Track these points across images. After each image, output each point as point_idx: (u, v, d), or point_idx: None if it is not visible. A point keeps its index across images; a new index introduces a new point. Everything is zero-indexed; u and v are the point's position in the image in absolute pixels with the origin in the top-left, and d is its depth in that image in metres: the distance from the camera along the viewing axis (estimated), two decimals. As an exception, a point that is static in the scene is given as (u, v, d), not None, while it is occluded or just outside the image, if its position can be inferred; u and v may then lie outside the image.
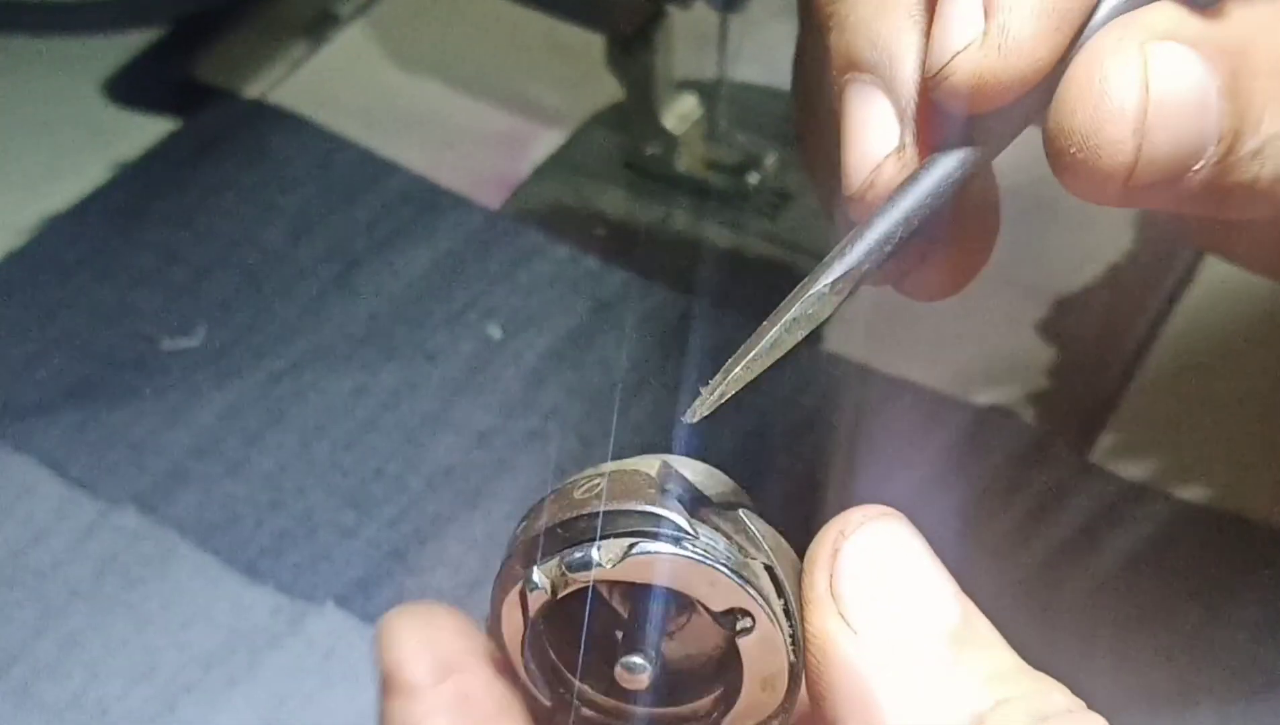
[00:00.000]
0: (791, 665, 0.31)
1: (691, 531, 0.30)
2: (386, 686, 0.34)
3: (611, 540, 0.30)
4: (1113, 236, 0.62)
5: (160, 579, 0.54)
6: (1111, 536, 0.53)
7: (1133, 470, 0.55)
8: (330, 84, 0.71)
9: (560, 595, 0.31)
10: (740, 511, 0.31)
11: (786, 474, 0.54)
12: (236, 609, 0.53)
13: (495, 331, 0.61)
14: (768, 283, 0.62)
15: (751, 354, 0.31)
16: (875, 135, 0.33)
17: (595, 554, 0.30)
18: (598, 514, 0.30)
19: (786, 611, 0.31)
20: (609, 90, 0.65)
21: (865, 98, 0.34)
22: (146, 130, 0.69)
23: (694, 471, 0.31)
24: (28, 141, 0.68)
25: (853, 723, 0.29)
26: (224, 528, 0.55)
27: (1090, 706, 0.28)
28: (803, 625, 0.30)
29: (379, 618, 0.51)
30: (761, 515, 0.32)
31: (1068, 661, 0.31)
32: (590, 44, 0.63)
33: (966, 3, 0.31)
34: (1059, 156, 0.31)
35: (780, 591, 0.31)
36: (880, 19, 0.33)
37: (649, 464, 0.31)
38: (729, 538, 0.30)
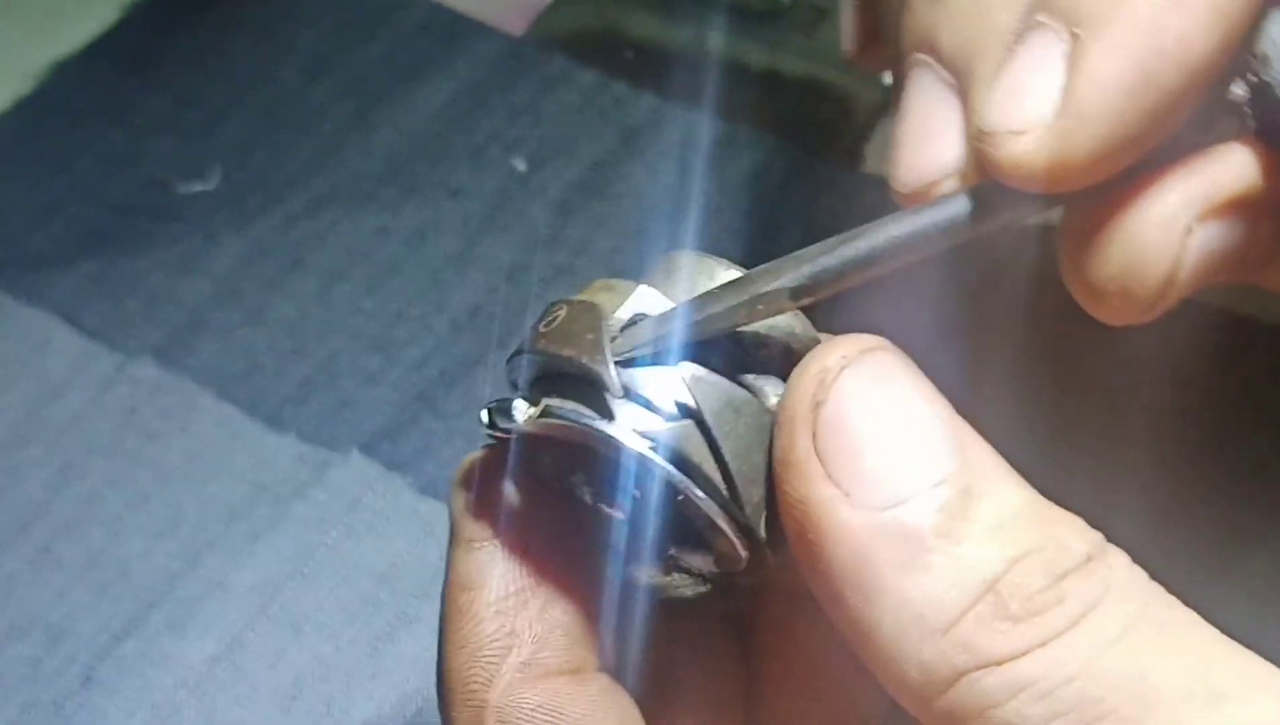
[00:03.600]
0: (735, 530, 0.28)
1: (615, 391, 0.27)
2: (451, 535, 0.31)
3: (539, 391, 0.28)
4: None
5: (181, 432, 0.52)
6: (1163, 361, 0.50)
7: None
8: None
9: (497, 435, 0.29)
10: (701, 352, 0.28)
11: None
12: (259, 460, 0.51)
13: (520, 164, 0.58)
14: (806, 103, 0.59)
15: (701, 316, 0.28)
16: (935, 140, 0.31)
17: (515, 408, 0.28)
18: (533, 355, 0.28)
19: (727, 477, 0.28)
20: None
21: (933, 93, 0.31)
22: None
23: (687, 277, 0.29)
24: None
25: (850, 597, 0.26)
26: (245, 377, 0.53)
27: (1123, 546, 0.26)
28: (780, 490, 0.27)
29: (405, 464, 0.51)
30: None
31: (1096, 500, 0.28)
32: None
33: (1045, 54, 0.28)
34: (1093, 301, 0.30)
35: (718, 456, 0.27)
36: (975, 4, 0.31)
37: (622, 293, 0.29)
38: (666, 393, 0.28)
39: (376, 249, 0.56)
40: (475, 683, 0.29)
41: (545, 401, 0.28)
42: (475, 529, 0.30)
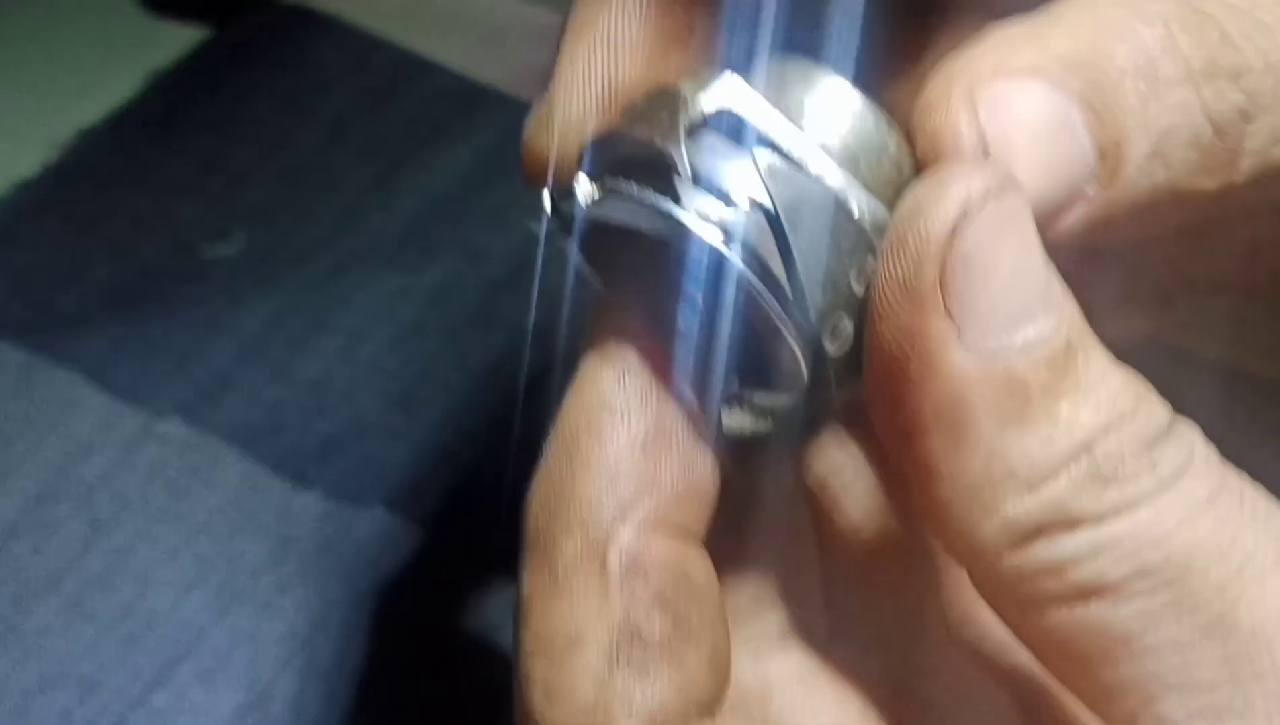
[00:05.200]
0: (798, 338, 0.26)
1: (684, 172, 0.26)
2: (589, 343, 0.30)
3: (609, 174, 0.27)
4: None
5: (208, 488, 0.53)
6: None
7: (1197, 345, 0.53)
8: None
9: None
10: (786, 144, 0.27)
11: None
12: (285, 515, 0.52)
13: (538, 226, 0.59)
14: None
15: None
16: None
17: (578, 183, 0.27)
18: (603, 136, 0.27)
19: (794, 279, 0.26)
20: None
21: None
22: (181, 39, 0.68)
23: (781, 76, 0.27)
24: (63, 55, 0.68)
25: (937, 441, 0.25)
26: (270, 434, 0.54)
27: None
28: (879, 315, 0.25)
29: (429, 520, 0.51)
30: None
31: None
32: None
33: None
34: None
35: (787, 255, 0.26)
36: None
37: (707, 82, 0.27)
38: (745, 182, 0.26)
39: (399, 309, 0.57)
40: (606, 514, 0.27)
41: (610, 182, 0.27)
42: (620, 346, 0.28)
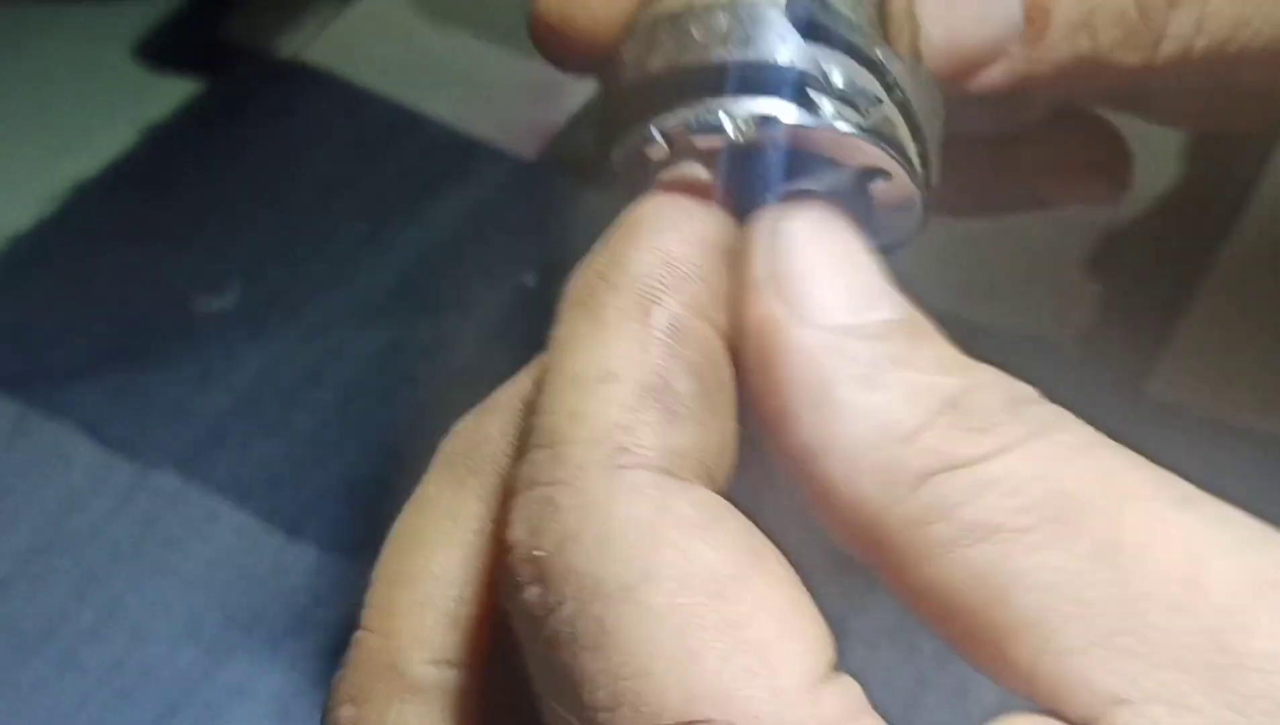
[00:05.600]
0: (921, 196, 0.28)
1: (827, 86, 0.27)
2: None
3: (740, 101, 0.27)
4: (1161, 168, 0.61)
5: (201, 540, 0.53)
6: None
7: (1188, 401, 0.54)
8: (360, 40, 0.70)
9: (675, 156, 0.28)
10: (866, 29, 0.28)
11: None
12: (278, 568, 0.52)
13: (529, 279, 0.60)
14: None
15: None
16: None
17: (724, 120, 0.27)
18: (722, 66, 0.27)
19: (922, 155, 0.28)
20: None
21: None
22: (175, 92, 0.68)
23: None
24: (58, 108, 0.68)
25: (807, 417, 0.26)
26: (264, 487, 0.55)
27: None
28: (739, 316, 0.27)
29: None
30: None
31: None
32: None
33: None
34: None
35: (915, 132, 0.28)
36: None
37: None
38: (863, 77, 0.27)
39: (391, 362, 0.58)
40: (658, 282, 0.27)
41: (739, 108, 0.27)
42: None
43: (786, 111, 0.27)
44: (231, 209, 0.64)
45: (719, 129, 0.27)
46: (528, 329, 0.59)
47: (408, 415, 0.56)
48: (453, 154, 0.65)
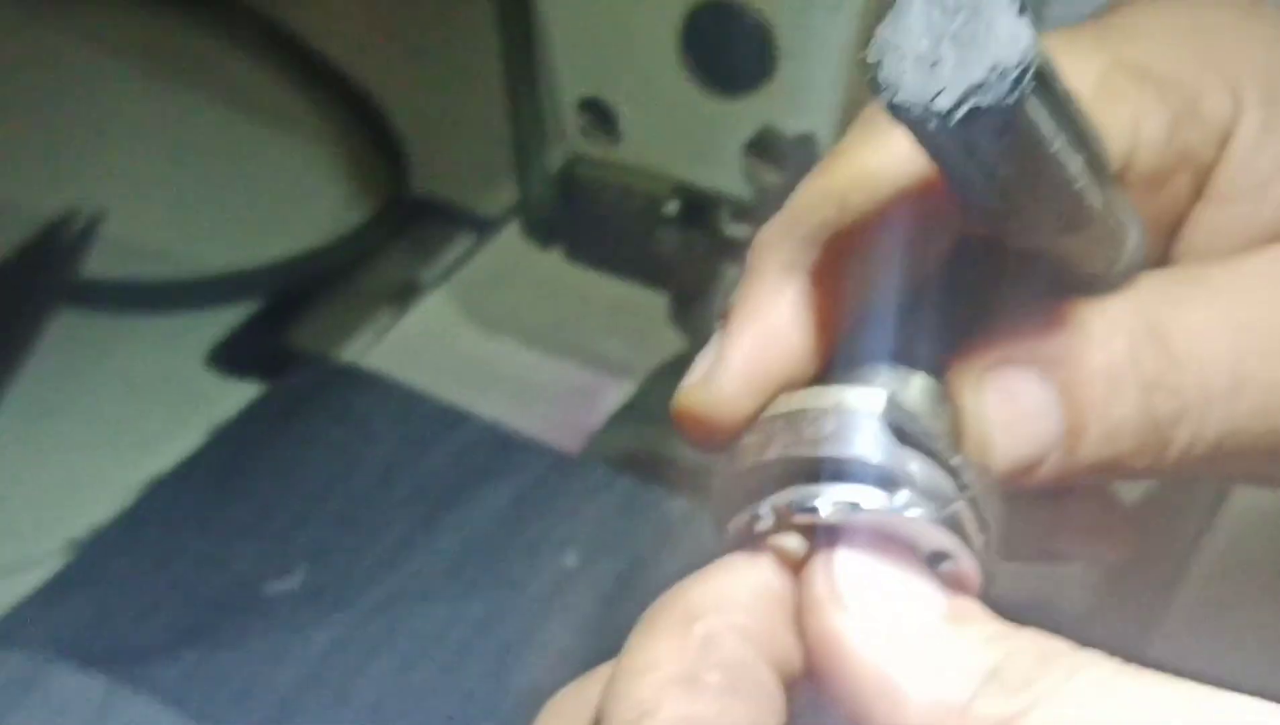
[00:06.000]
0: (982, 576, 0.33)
1: (909, 481, 0.32)
2: None
3: (835, 488, 0.32)
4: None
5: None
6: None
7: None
8: (413, 346, 0.78)
9: (777, 529, 0.32)
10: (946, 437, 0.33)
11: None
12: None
13: (570, 559, 0.66)
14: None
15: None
16: None
17: (819, 503, 0.32)
18: (823, 460, 0.32)
19: (985, 543, 0.32)
20: (673, 344, 0.71)
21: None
22: (240, 395, 0.75)
23: (908, 388, 0.34)
24: (136, 410, 0.75)
25: (876, 705, 0.30)
26: (333, 756, 0.60)
27: None
28: (807, 635, 0.31)
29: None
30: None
31: None
32: (655, 303, 0.71)
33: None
34: None
35: (983, 524, 0.32)
36: None
37: (870, 401, 0.33)
38: (940, 477, 0.32)
39: (448, 636, 0.63)
40: (702, 608, 0.32)
41: (834, 493, 0.32)
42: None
43: (871, 498, 0.32)
44: (294, 500, 0.70)
45: (814, 510, 0.32)
46: (572, 604, 0.65)
47: (465, 684, 0.62)
48: (497, 447, 0.71)
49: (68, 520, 0.69)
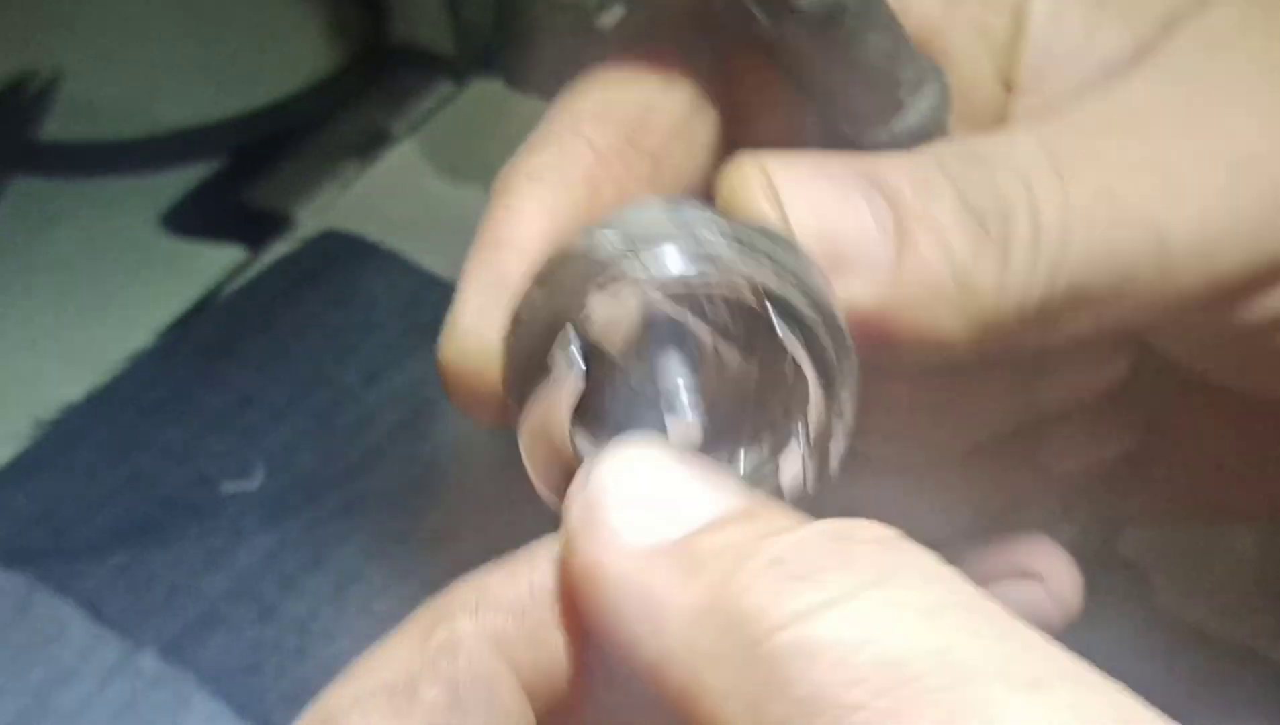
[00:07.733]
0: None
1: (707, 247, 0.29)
2: None
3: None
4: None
5: (172, 726, 0.52)
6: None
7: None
8: (378, 201, 0.71)
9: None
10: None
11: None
12: (242, 761, 0.51)
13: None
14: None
15: None
16: None
17: (629, 267, 0.30)
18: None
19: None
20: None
21: None
22: (213, 260, 0.69)
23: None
24: (102, 279, 0.69)
25: (637, 629, 0.26)
26: (244, 675, 0.53)
27: None
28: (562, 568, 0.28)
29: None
30: None
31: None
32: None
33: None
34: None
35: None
36: None
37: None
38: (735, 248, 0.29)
39: (395, 552, 0.56)
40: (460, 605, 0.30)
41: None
42: None
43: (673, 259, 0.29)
44: (275, 391, 0.63)
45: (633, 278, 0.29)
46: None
47: (404, 609, 0.54)
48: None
49: (34, 398, 0.64)
